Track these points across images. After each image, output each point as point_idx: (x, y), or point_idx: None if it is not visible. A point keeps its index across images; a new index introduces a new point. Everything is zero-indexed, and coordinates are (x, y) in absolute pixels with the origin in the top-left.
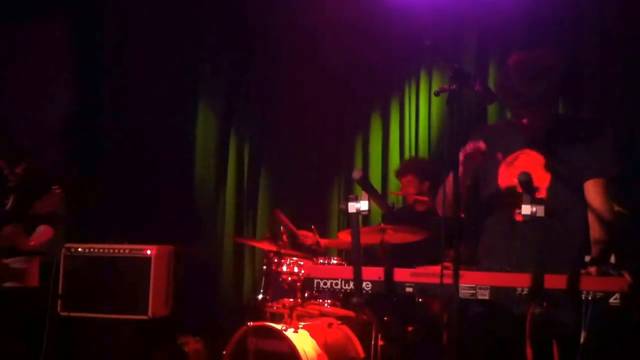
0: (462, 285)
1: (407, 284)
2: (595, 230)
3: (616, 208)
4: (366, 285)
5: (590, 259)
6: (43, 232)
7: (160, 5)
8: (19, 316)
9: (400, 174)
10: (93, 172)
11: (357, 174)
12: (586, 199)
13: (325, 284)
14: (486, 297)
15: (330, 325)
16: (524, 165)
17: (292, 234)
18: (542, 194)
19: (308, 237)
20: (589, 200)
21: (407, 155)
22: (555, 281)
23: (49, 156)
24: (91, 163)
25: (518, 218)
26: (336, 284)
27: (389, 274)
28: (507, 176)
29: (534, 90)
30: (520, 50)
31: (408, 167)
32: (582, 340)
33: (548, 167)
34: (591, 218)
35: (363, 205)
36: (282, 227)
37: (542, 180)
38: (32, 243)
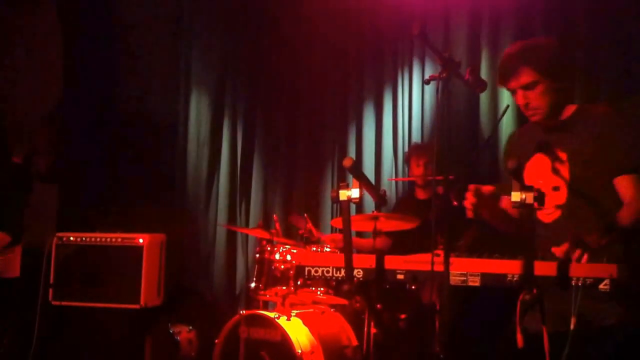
0: (453, 272)
1: (398, 271)
2: (624, 212)
3: None
4: (357, 273)
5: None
6: None
7: None
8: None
9: (417, 155)
10: (84, 161)
11: (347, 162)
12: (620, 195)
13: (316, 271)
14: (477, 284)
15: (323, 313)
16: (545, 165)
17: (310, 235)
18: (563, 192)
19: (319, 237)
20: (624, 196)
21: (400, 143)
22: (545, 268)
23: (38, 144)
24: (82, 151)
25: (543, 218)
26: (327, 272)
27: (380, 261)
28: (531, 178)
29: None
30: (512, 35)
31: (418, 150)
32: (571, 326)
33: (567, 164)
34: (626, 213)
35: (354, 192)
36: (301, 230)
37: (562, 179)
38: None
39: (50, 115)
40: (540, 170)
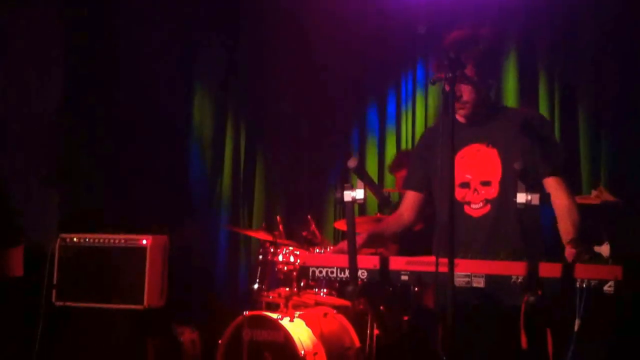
0: (457, 273)
1: (402, 273)
2: (566, 224)
3: (610, 198)
4: (361, 274)
5: (569, 240)
6: None
7: None
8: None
9: (394, 168)
10: (86, 162)
11: (352, 163)
12: (550, 195)
13: (320, 272)
14: (481, 285)
15: (326, 314)
16: (473, 160)
17: (313, 237)
18: (494, 187)
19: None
20: (553, 197)
21: (404, 146)
22: (549, 269)
23: (38, 145)
24: (84, 151)
25: (470, 212)
26: (331, 272)
27: (384, 262)
28: (458, 172)
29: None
30: (517, 36)
31: (403, 161)
32: (575, 328)
33: (499, 160)
34: (560, 214)
35: (358, 193)
36: (306, 232)
37: (493, 174)
38: None
39: (50, 117)
40: (468, 165)
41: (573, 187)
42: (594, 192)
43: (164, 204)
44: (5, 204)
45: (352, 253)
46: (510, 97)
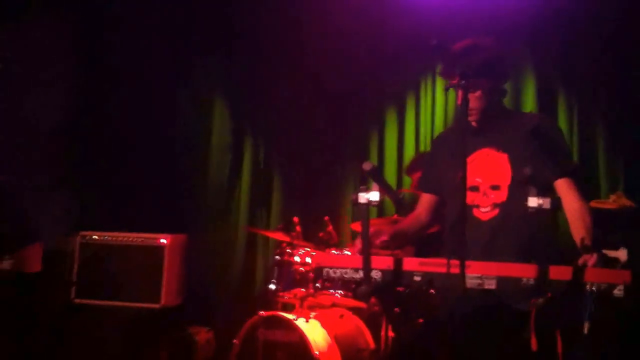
0: (469, 275)
1: (415, 273)
2: (577, 227)
3: (627, 203)
4: (375, 274)
5: (583, 247)
6: None
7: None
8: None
9: (410, 171)
10: (107, 162)
11: (367, 166)
12: (560, 198)
13: (335, 272)
14: (492, 287)
15: (341, 316)
16: (483, 164)
17: (330, 239)
18: (503, 192)
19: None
20: (564, 199)
21: (422, 149)
22: (560, 272)
23: (56, 145)
24: (105, 152)
25: (480, 216)
26: (346, 273)
27: (397, 263)
28: (468, 175)
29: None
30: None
31: (419, 163)
32: (585, 330)
33: (508, 165)
34: (571, 216)
35: (373, 196)
36: (322, 233)
37: (503, 178)
38: None
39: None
40: (478, 168)
41: (588, 191)
42: (611, 197)
43: (183, 204)
44: (20, 202)
45: (366, 253)
46: (531, 104)
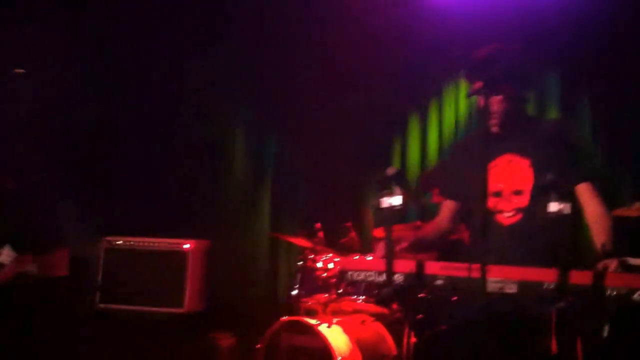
0: (490, 279)
1: (437, 277)
2: (597, 232)
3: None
4: (398, 278)
5: (603, 251)
6: (13, 266)
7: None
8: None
9: (425, 187)
10: (131, 166)
11: (390, 170)
12: (581, 203)
13: (358, 275)
14: (514, 291)
15: (363, 322)
16: (506, 170)
17: (352, 244)
18: (526, 196)
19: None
20: (585, 204)
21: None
22: (580, 277)
23: (81, 150)
24: (128, 157)
25: (502, 221)
26: (369, 276)
27: (420, 267)
28: (490, 181)
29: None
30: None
31: (429, 181)
32: (605, 334)
33: (530, 170)
34: (591, 221)
35: (396, 200)
36: (345, 239)
37: (525, 183)
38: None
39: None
40: (501, 174)
41: (611, 198)
42: (636, 204)
43: (206, 209)
44: (47, 206)
45: (389, 257)
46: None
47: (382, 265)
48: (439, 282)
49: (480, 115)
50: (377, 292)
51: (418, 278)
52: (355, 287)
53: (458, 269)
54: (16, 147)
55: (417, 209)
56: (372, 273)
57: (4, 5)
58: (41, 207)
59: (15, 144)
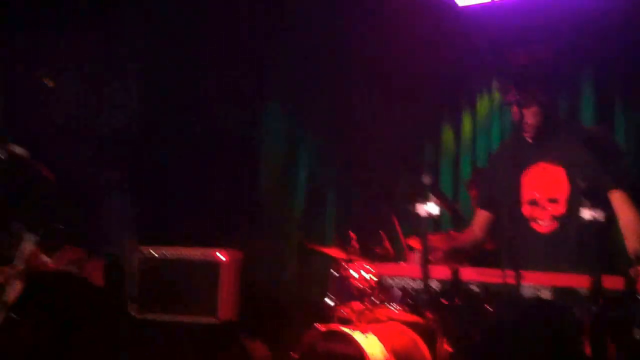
0: (524, 284)
1: (472, 283)
2: (631, 239)
3: None
4: (434, 284)
5: (636, 257)
6: (67, 254)
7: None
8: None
9: (469, 187)
10: (163, 175)
11: (427, 179)
12: (614, 209)
13: (395, 281)
14: (548, 296)
15: (398, 330)
16: (541, 178)
17: (386, 253)
18: (562, 204)
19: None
20: (618, 210)
21: (479, 164)
22: (613, 282)
23: (114, 159)
24: (162, 167)
25: (538, 229)
26: (406, 282)
27: (455, 273)
28: (526, 190)
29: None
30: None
31: (476, 180)
32: (637, 337)
33: (566, 178)
34: (624, 228)
35: (433, 208)
36: (379, 247)
37: (561, 191)
38: (50, 265)
39: (127, 131)
40: (536, 183)
41: None
42: None
43: (238, 218)
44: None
45: (425, 263)
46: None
47: (418, 271)
48: (475, 288)
49: (513, 125)
50: (413, 300)
51: (454, 284)
52: (390, 295)
53: (493, 275)
54: (59, 147)
55: (452, 217)
56: (409, 279)
57: (50, 10)
58: (80, 205)
59: (59, 144)
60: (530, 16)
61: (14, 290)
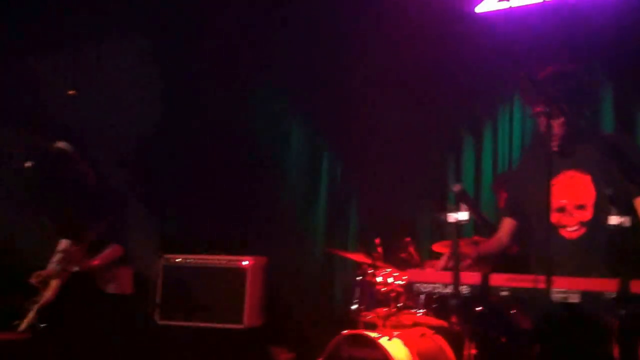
0: (554, 289)
1: (502, 289)
2: None
3: None
4: (464, 289)
5: None
6: (110, 252)
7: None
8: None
9: (496, 187)
10: (188, 183)
11: (457, 187)
12: (639, 215)
13: (425, 287)
14: (576, 301)
15: (423, 335)
16: (568, 186)
17: (411, 259)
18: (589, 210)
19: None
20: None
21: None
22: None
23: (138, 167)
24: (183, 176)
25: (566, 235)
26: (436, 288)
27: (485, 279)
28: (553, 197)
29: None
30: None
31: (503, 180)
32: None
33: (592, 185)
34: None
35: (462, 215)
36: (404, 254)
37: (588, 197)
38: (95, 262)
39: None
40: (563, 190)
41: None
42: None
43: (262, 226)
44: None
45: (456, 270)
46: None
47: (448, 277)
48: (504, 293)
49: (539, 136)
50: (442, 307)
51: (483, 289)
52: (415, 300)
53: (523, 281)
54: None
55: (480, 224)
56: (439, 285)
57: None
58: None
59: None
60: (551, 26)
61: (49, 290)
